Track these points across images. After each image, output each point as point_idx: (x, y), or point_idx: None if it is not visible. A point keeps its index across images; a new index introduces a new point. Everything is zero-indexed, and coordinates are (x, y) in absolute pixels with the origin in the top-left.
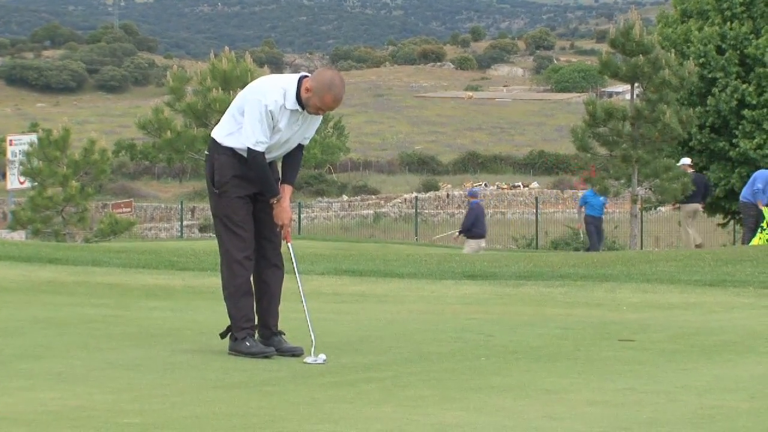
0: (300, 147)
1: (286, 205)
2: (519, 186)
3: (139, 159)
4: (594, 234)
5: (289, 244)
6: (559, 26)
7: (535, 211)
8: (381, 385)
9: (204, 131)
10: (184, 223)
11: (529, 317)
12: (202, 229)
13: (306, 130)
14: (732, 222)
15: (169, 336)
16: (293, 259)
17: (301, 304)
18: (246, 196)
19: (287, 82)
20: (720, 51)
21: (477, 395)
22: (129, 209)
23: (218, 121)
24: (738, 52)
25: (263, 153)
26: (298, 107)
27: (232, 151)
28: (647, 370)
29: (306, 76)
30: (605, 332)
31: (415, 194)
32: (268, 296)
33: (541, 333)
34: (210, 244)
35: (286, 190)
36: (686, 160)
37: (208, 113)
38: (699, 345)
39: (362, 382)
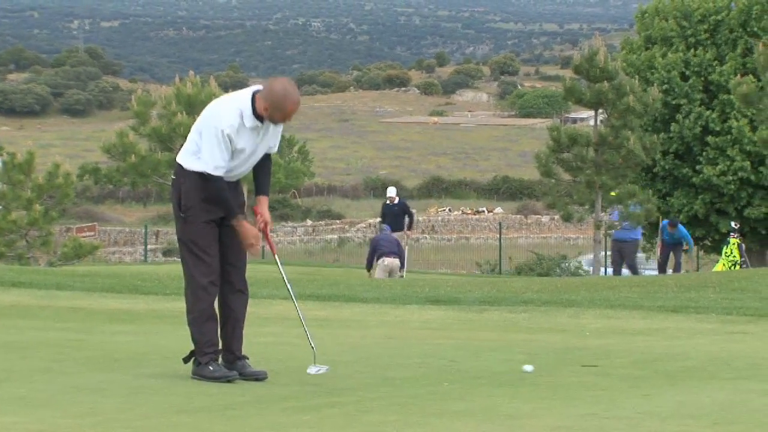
0: (267, 156)
1: (247, 226)
2: (483, 211)
3: (104, 183)
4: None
5: (275, 256)
6: (523, 52)
7: (498, 236)
8: (344, 410)
9: (168, 155)
10: (149, 247)
11: (493, 342)
12: (166, 253)
13: (270, 139)
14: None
15: (132, 360)
16: (281, 269)
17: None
18: (212, 221)
19: (241, 101)
20: (684, 77)
21: (440, 420)
22: (93, 233)
23: (182, 145)
24: (702, 78)
25: (222, 178)
26: (257, 123)
27: (197, 175)
28: (610, 396)
29: (258, 91)
30: (568, 358)
31: (379, 219)
32: (232, 321)
33: (504, 358)
34: (174, 268)
35: (263, 201)
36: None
37: (173, 137)
38: (662, 371)
39: (325, 407)
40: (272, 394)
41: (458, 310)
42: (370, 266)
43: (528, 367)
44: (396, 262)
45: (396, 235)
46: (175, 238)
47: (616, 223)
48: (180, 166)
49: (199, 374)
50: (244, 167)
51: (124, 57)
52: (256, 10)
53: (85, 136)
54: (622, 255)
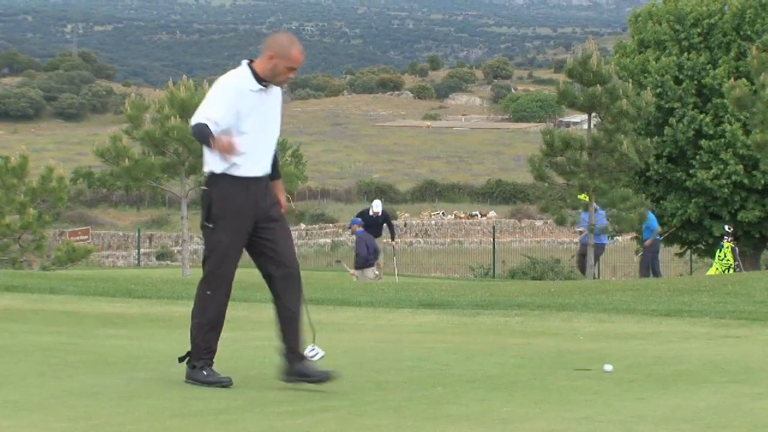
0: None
1: (222, 138)
2: (476, 215)
3: (97, 187)
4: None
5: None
6: (516, 56)
7: (492, 240)
8: (338, 414)
9: (161, 159)
10: (142, 251)
11: (486, 346)
12: (160, 257)
13: (274, 111)
14: (689, 252)
15: (126, 364)
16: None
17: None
18: (241, 232)
19: (237, 70)
20: (677, 81)
21: (433, 424)
22: (86, 237)
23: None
24: (695, 82)
25: (206, 125)
26: (260, 85)
27: (229, 179)
28: (603, 400)
29: (250, 60)
30: (562, 361)
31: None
32: (292, 320)
33: (497, 362)
34: (168, 272)
35: (278, 185)
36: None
37: (166, 141)
38: (655, 375)
39: (319, 411)
40: (266, 398)
41: (452, 314)
42: (362, 266)
43: (608, 367)
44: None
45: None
46: (170, 242)
47: (582, 230)
48: (210, 173)
49: (193, 378)
50: (262, 147)
51: (118, 61)
52: (249, 14)
53: (79, 140)
54: (583, 257)
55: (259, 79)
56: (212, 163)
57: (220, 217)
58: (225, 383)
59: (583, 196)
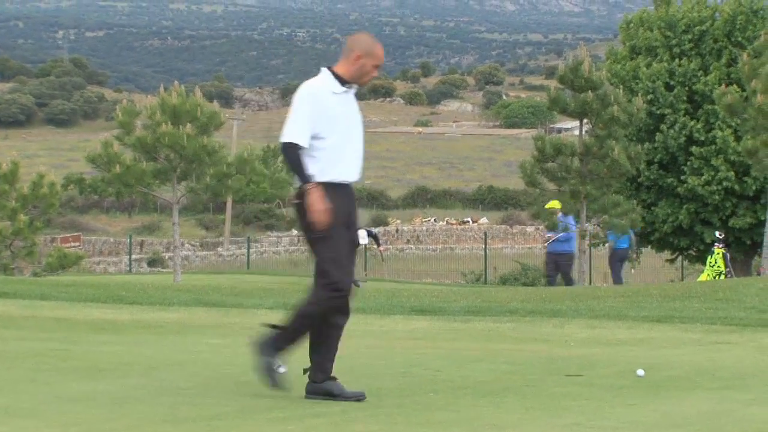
0: None
1: (318, 195)
2: (468, 221)
3: (88, 193)
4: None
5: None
6: (508, 62)
7: (483, 246)
8: (329, 420)
9: (153, 165)
10: (133, 257)
11: (478, 352)
12: (151, 263)
13: (358, 113)
14: (680, 258)
15: (117, 370)
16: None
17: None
18: (347, 237)
19: (317, 77)
20: (668, 87)
21: (425, 430)
22: (77, 243)
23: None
24: (686, 88)
25: (296, 147)
26: (342, 87)
27: (327, 186)
28: (595, 406)
29: (328, 67)
30: (553, 368)
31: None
32: (335, 339)
33: (489, 368)
34: (158, 278)
35: None
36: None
37: (158, 147)
38: (646, 381)
39: (310, 416)
40: (258, 404)
41: (443, 320)
42: None
43: (640, 372)
44: None
45: None
46: (161, 249)
47: (551, 236)
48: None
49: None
50: (353, 149)
51: (109, 67)
52: (241, 20)
53: (70, 146)
54: (558, 267)
55: (343, 82)
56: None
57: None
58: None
59: (552, 205)
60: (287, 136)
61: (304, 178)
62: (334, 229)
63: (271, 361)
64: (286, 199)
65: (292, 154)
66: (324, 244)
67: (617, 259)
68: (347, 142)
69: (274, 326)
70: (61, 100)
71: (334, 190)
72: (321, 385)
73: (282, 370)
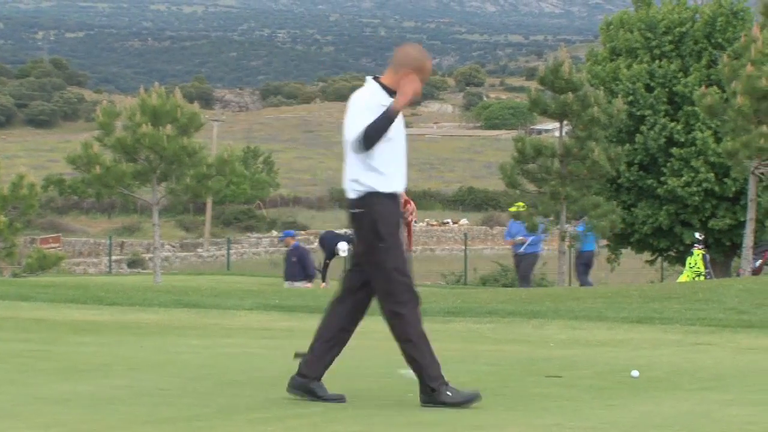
0: None
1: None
2: (448, 222)
3: (68, 194)
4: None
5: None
6: (488, 63)
7: (464, 247)
8: (310, 421)
9: (133, 166)
10: (113, 258)
11: (458, 353)
12: (131, 264)
13: (403, 128)
14: (660, 259)
15: (96, 371)
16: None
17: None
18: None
19: (366, 87)
20: (649, 89)
21: (405, 431)
22: (57, 244)
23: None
24: (666, 90)
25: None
26: (392, 99)
27: (385, 196)
28: (574, 407)
29: (375, 77)
30: (533, 368)
31: (345, 231)
32: (341, 345)
33: (469, 369)
34: (138, 279)
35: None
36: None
37: (138, 148)
38: (626, 382)
39: (291, 417)
40: (238, 405)
41: (423, 321)
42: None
43: (635, 373)
44: None
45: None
46: (141, 250)
47: (520, 240)
48: (367, 192)
49: (440, 401)
50: (401, 164)
51: (89, 68)
52: (221, 21)
53: (50, 147)
54: (522, 268)
55: (391, 93)
56: (369, 181)
57: (388, 234)
58: (474, 398)
59: (515, 208)
60: (358, 131)
61: (391, 113)
62: (397, 238)
63: (444, 389)
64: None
65: (364, 133)
66: (388, 252)
67: (582, 262)
68: (399, 153)
69: (419, 378)
70: (40, 101)
71: (393, 201)
72: (306, 382)
73: (449, 392)
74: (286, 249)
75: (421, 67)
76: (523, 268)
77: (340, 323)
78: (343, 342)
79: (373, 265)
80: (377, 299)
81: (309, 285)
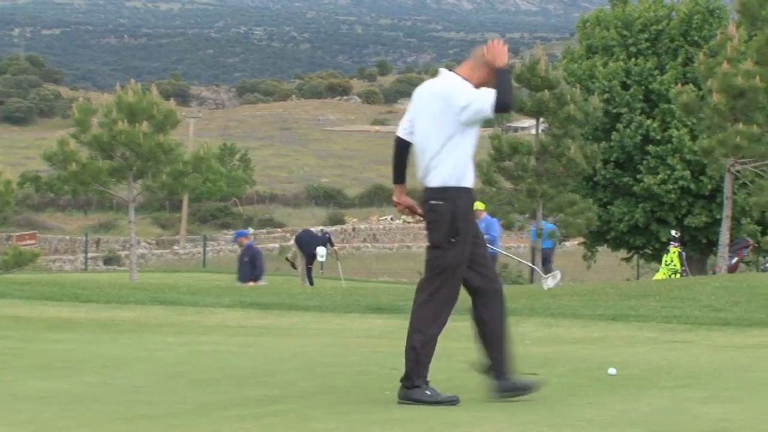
0: None
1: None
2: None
3: (44, 191)
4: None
5: None
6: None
7: None
8: (286, 419)
9: (109, 163)
10: (89, 255)
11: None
12: (107, 261)
13: None
14: (636, 257)
15: (72, 368)
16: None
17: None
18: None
19: (448, 75)
20: (625, 87)
21: (381, 428)
22: (33, 241)
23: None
24: (643, 87)
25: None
26: None
27: (465, 191)
28: (550, 404)
29: (452, 69)
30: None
31: (321, 227)
32: (498, 336)
33: (445, 366)
34: (114, 276)
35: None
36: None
37: (114, 145)
38: (602, 379)
39: (267, 415)
40: (214, 402)
41: (399, 318)
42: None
43: (612, 370)
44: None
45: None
46: (118, 247)
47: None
48: (448, 186)
49: (414, 398)
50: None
51: (66, 65)
52: (197, 18)
53: (26, 144)
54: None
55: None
56: (452, 175)
57: (464, 231)
58: (454, 401)
59: (483, 206)
60: (489, 100)
61: (505, 70)
62: (468, 236)
63: (509, 383)
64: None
65: (499, 89)
66: (454, 249)
67: (541, 259)
68: (473, 149)
69: (489, 367)
70: (17, 98)
71: (471, 197)
72: (508, 382)
73: (428, 391)
74: (239, 249)
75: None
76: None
77: (488, 324)
78: (495, 333)
79: (435, 252)
80: (423, 280)
81: (252, 284)
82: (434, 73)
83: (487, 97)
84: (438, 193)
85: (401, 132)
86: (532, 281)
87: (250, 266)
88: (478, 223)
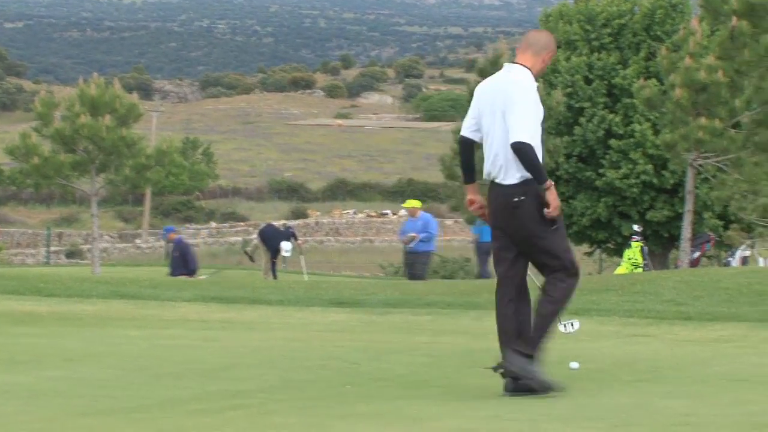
0: None
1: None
2: (387, 213)
3: (6, 185)
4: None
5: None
6: (428, 55)
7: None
8: (247, 413)
9: (71, 157)
10: (51, 248)
11: (396, 345)
12: (70, 255)
13: None
14: (598, 251)
15: (34, 362)
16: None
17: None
18: None
19: (522, 73)
20: (587, 81)
21: (342, 423)
22: None
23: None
24: (605, 82)
25: (532, 146)
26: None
27: (534, 183)
28: (512, 398)
29: (518, 63)
30: (471, 360)
31: (284, 222)
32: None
33: (407, 361)
34: (77, 270)
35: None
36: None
37: (76, 139)
38: (563, 373)
39: (229, 409)
40: (176, 397)
41: (362, 313)
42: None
43: (574, 364)
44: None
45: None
46: (80, 240)
47: (410, 236)
48: (529, 179)
49: (529, 372)
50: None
51: (28, 58)
52: (160, 12)
53: None
54: (413, 265)
55: (534, 78)
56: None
57: (558, 216)
58: (559, 388)
59: (411, 204)
60: (526, 136)
61: (544, 176)
62: (562, 220)
63: (537, 375)
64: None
65: (531, 152)
66: (560, 236)
67: (482, 253)
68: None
69: (518, 349)
70: None
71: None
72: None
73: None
74: (168, 244)
75: (553, 50)
76: (418, 267)
77: (516, 315)
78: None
79: (538, 248)
80: (542, 279)
81: (189, 278)
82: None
83: (526, 130)
84: (517, 189)
85: (465, 131)
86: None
87: (181, 261)
88: (415, 222)
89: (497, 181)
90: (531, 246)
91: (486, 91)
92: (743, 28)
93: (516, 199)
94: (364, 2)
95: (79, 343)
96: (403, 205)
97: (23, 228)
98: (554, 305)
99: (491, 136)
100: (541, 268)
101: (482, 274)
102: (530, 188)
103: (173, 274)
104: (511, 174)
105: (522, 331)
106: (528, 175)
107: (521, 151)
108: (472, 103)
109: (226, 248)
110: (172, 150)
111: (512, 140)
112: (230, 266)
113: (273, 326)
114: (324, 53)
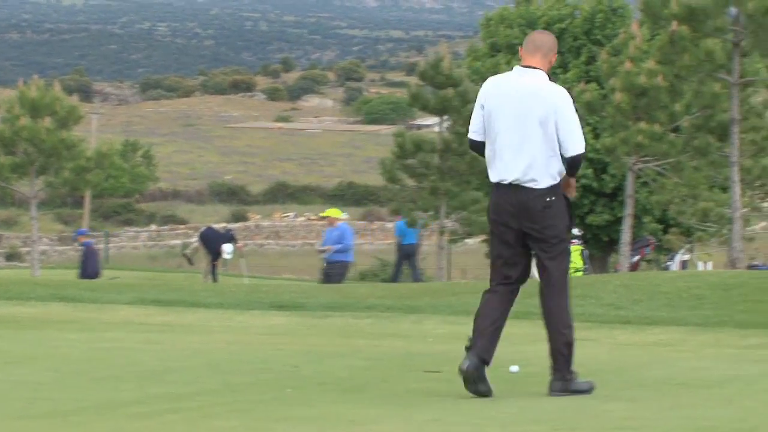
0: None
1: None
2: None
3: None
4: (401, 263)
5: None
6: (369, 58)
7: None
8: (187, 416)
9: (11, 159)
10: None
11: (337, 348)
12: (9, 257)
13: None
14: None
15: None
16: None
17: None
18: None
19: (545, 78)
20: None
21: (283, 426)
22: None
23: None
24: None
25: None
26: None
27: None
28: (453, 402)
29: (533, 67)
30: (411, 363)
31: (224, 225)
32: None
33: (348, 364)
34: (15, 273)
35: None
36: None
37: (16, 141)
38: (504, 377)
39: (168, 412)
40: (115, 400)
41: (302, 316)
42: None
43: (514, 368)
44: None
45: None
46: (19, 243)
47: (327, 248)
48: (558, 184)
49: (575, 389)
50: None
51: None
52: (101, 14)
53: None
54: (329, 275)
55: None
56: (557, 172)
57: (571, 225)
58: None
59: (329, 213)
60: (583, 146)
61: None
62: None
63: (577, 383)
64: (145, 193)
65: (582, 161)
66: (567, 251)
67: (403, 255)
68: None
69: (556, 368)
70: None
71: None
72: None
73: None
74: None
75: (557, 50)
76: (334, 277)
77: (494, 315)
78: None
79: (557, 250)
80: (554, 280)
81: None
82: (337, 70)
83: (580, 140)
84: (549, 191)
85: (473, 135)
86: (395, 280)
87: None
88: (332, 231)
89: (525, 185)
90: (552, 246)
91: (503, 93)
92: (683, 33)
93: (548, 199)
94: (305, 5)
95: (17, 345)
96: (321, 214)
97: None
98: (568, 329)
99: (525, 142)
100: (546, 268)
101: (415, 277)
102: (558, 190)
103: (81, 276)
104: (545, 180)
105: (494, 338)
106: (557, 179)
107: (580, 162)
108: (480, 105)
109: (166, 251)
110: (112, 152)
111: (576, 152)
112: (170, 269)
113: (213, 329)
114: (265, 56)
